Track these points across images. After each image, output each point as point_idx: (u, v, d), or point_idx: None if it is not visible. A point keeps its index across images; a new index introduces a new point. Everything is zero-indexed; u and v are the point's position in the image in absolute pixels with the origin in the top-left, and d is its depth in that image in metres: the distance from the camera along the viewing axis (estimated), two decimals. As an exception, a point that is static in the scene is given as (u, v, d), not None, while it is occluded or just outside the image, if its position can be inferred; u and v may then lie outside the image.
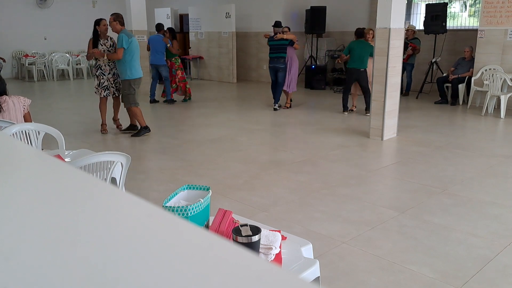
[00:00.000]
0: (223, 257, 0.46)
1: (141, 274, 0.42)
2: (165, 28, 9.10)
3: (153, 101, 9.04)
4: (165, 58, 8.78)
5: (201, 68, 13.62)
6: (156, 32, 8.97)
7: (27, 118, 3.99)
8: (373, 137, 6.03)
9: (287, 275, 0.45)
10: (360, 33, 7.73)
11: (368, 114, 7.73)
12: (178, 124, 7.31)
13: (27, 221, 0.53)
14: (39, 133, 3.49)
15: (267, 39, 8.23)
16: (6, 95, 3.86)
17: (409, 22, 10.90)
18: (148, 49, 8.99)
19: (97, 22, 6.35)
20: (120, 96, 6.32)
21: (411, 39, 9.34)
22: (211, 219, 1.84)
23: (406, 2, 6.48)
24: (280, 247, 1.75)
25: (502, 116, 7.48)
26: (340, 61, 8.50)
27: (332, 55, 11.19)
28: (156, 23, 9.85)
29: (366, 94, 7.69)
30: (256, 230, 1.64)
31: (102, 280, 0.42)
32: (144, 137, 6.41)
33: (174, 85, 9.04)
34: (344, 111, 7.89)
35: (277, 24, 8.13)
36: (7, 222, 0.53)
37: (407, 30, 9.34)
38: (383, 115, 5.92)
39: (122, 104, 6.31)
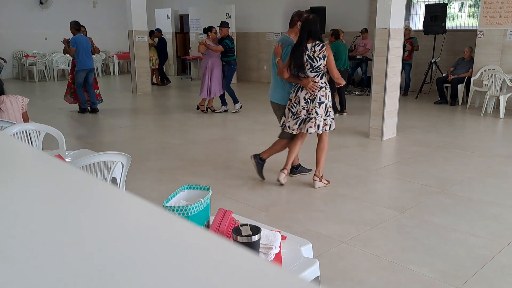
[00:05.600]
0: (223, 257, 0.47)
1: (141, 273, 0.43)
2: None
3: (83, 110, 7.93)
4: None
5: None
6: (75, 32, 7.72)
7: (24, 117, 3.99)
8: (373, 137, 6.03)
9: (287, 274, 0.45)
10: (338, 34, 7.76)
11: (345, 113, 7.77)
12: (178, 124, 7.31)
13: (27, 221, 0.54)
14: (39, 133, 3.49)
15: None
16: (4, 94, 3.87)
17: (408, 23, 10.91)
18: (72, 52, 7.72)
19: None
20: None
21: (408, 39, 9.35)
22: (211, 219, 1.84)
23: (406, 2, 6.48)
24: (280, 247, 1.75)
25: (501, 116, 7.48)
26: None
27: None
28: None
29: (343, 94, 7.80)
30: (256, 230, 1.65)
31: (103, 279, 0.42)
32: (143, 137, 6.42)
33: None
34: (344, 110, 7.82)
35: None
36: (7, 222, 0.54)
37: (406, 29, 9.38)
38: (382, 115, 5.92)
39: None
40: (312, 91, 3.93)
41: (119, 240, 0.50)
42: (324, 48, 3.87)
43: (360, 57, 10.58)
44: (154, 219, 0.55)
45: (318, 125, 3.98)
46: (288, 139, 4.29)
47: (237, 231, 1.64)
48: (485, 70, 8.28)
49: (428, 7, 9.74)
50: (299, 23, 4.07)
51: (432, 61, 9.51)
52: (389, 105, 5.97)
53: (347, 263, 2.82)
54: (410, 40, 9.39)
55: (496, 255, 2.89)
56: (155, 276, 0.42)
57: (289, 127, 4.09)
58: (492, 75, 7.74)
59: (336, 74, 4.01)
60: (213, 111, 8.03)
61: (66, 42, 7.75)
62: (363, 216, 3.52)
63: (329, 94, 4.02)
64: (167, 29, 14.43)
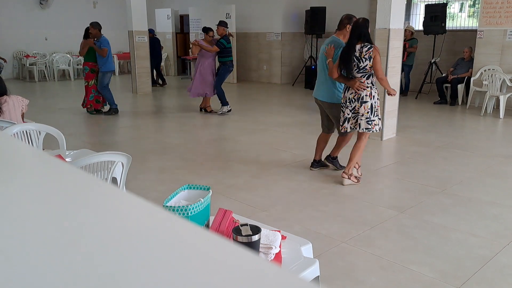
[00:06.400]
0: (223, 257, 0.47)
1: (141, 274, 0.43)
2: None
3: (116, 110, 7.92)
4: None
5: (201, 68, 13.62)
6: (98, 33, 7.52)
7: (21, 118, 3.99)
8: (373, 137, 6.03)
9: (287, 274, 0.45)
10: None
11: None
12: (178, 124, 7.32)
13: (28, 221, 0.54)
14: (40, 133, 3.49)
15: None
16: (6, 95, 3.86)
17: (408, 23, 10.90)
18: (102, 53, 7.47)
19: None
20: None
21: (409, 39, 9.35)
22: (211, 218, 1.84)
23: (406, 2, 6.48)
24: (280, 247, 1.75)
25: (501, 116, 7.48)
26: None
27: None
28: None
29: None
30: (256, 230, 1.65)
31: (103, 279, 0.42)
32: (144, 137, 6.42)
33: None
34: None
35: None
36: (8, 222, 0.54)
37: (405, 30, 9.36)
38: (382, 115, 5.92)
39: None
40: (358, 90, 4.07)
41: (119, 240, 0.50)
42: (371, 50, 3.99)
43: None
44: (154, 219, 0.55)
45: (360, 124, 4.11)
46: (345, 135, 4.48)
47: (237, 231, 1.64)
48: (485, 70, 8.28)
49: (428, 7, 9.74)
50: (348, 26, 4.23)
51: (432, 61, 9.51)
52: (389, 105, 5.97)
53: (347, 263, 2.82)
54: (407, 41, 9.38)
55: (496, 255, 2.89)
56: (155, 276, 0.42)
57: (343, 126, 4.28)
58: (492, 75, 7.74)
59: (381, 75, 4.11)
60: (210, 111, 7.93)
61: (93, 43, 7.45)
62: (363, 216, 3.53)
63: (374, 94, 4.11)
64: (167, 29, 14.43)
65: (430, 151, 5.51)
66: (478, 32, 8.53)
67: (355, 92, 4.07)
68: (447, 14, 9.78)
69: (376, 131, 4.18)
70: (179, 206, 1.66)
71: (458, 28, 10.91)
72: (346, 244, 3.05)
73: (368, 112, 4.07)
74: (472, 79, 8.51)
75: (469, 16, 11.37)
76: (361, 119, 4.08)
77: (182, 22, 15.02)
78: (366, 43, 4.01)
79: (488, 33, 8.37)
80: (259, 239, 1.66)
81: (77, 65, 13.53)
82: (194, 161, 5.11)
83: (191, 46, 7.64)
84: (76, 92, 11.36)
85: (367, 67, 4.01)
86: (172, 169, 4.78)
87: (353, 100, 4.10)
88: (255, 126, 7.03)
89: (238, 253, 0.47)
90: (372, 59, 3.99)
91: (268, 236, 1.75)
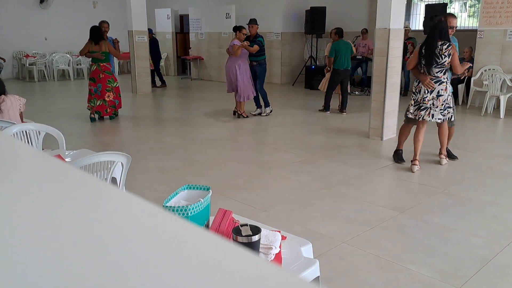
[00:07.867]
0: (223, 257, 0.47)
1: (141, 274, 0.43)
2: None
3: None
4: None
5: (201, 68, 13.63)
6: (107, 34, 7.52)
7: (20, 117, 3.99)
8: (373, 137, 6.03)
9: (287, 275, 0.45)
10: (341, 33, 7.84)
11: (345, 112, 7.81)
12: (178, 124, 7.31)
13: (27, 221, 0.54)
14: (39, 133, 3.49)
15: None
16: (4, 94, 3.86)
17: (409, 23, 10.91)
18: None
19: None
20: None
21: (407, 39, 9.35)
22: (211, 219, 1.84)
23: (406, 2, 6.49)
24: (280, 247, 1.75)
25: (501, 116, 7.48)
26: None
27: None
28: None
29: (346, 93, 7.83)
30: (256, 230, 1.65)
31: (102, 280, 0.42)
32: (143, 137, 6.42)
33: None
34: (327, 110, 7.97)
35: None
36: (7, 222, 0.54)
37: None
38: (382, 115, 5.92)
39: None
40: (428, 87, 4.43)
41: (119, 240, 0.50)
42: (450, 47, 4.34)
43: (360, 57, 10.57)
44: (154, 219, 0.55)
45: (433, 115, 4.47)
46: (407, 124, 4.86)
47: (237, 231, 1.64)
48: (485, 70, 8.28)
49: (428, 7, 9.74)
50: None
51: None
52: (389, 105, 5.97)
53: (347, 263, 2.82)
54: (410, 41, 9.39)
55: (496, 255, 2.89)
56: (155, 277, 0.42)
57: (411, 112, 4.62)
58: (492, 75, 7.74)
59: (460, 70, 4.50)
60: (244, 115, 7.56)
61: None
62: (363, 216, 3.52)
63: (449, 87, 4.47)
64: (167, 29, 14.43)
65: (430, 151, 5.50)
66: (478, 32, 8.53)
67: (427, 87, 4.43)
68: (447, 14, 9.77)
69: (449, 119, 4.53)
70: (179, 206, 1.66)
71: (458, 28, 10.89)
72: (346, 244, 3.05)
73: (442, 105, 4.43)
74: (472, 79, 8.51)
75: (469, 16, 11.37)
76: (435, 110, 4.44)
77: (182, 22, 15.02)
78: (445, 41, 4.33)
79: (488, 33, 8.37)
80: (259, 239, 1.65)
81: (77, 65, 13.53)
82: (194, 161, 5.11)
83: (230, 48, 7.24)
84: (76, 92, 11.36)
85: (445, 63, 4.35)
86: (172, 169, 4.77)
87: (427, 91, 4.45)
88: (255, 126, 7.03)
89: (238, 253, 0.47)
90: (451, 56, 4.33)
91: (268, 236, 1.75)
